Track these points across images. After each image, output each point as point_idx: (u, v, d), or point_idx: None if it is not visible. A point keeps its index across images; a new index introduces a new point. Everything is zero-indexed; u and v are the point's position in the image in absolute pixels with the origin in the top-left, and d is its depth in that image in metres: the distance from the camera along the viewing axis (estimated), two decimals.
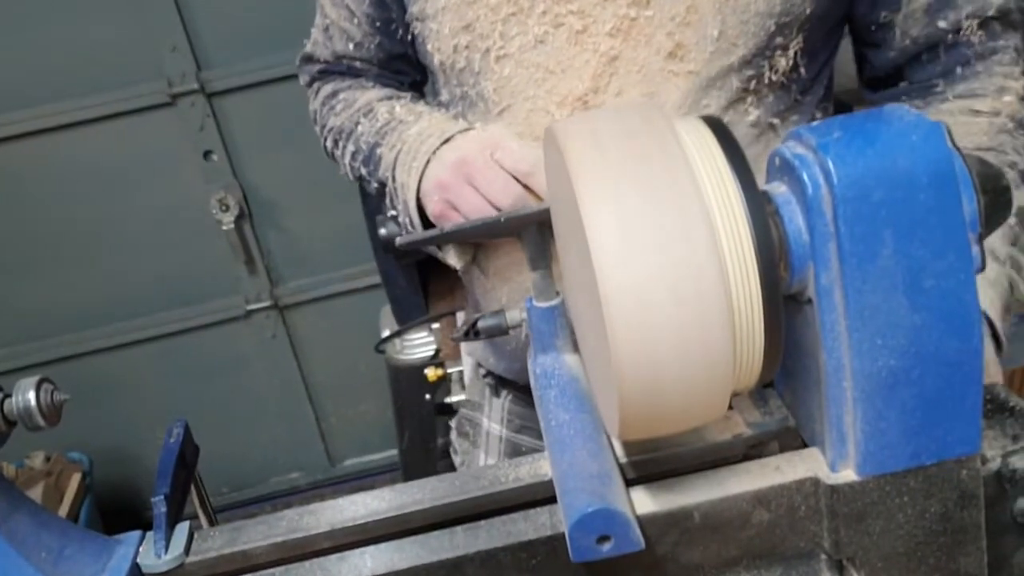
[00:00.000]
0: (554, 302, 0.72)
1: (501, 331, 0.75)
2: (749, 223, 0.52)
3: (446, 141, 0.90)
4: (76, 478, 2.43)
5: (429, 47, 0.95)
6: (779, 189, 0.56)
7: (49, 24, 2.24)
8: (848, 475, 0.58)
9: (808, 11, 0.86)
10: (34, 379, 0.64)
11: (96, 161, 2.38)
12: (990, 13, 0.87)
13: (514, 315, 0.75)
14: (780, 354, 0.55)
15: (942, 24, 0.87)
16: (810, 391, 0.60)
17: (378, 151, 0.98)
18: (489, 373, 1.14)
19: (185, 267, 2.52)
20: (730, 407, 0.66)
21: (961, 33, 0.88)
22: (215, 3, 2.29)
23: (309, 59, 1.11)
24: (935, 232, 0.53)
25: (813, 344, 0.57)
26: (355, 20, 1.02)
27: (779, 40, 0.86)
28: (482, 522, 0.62)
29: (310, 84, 1.13)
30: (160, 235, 2.48)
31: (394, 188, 0.95)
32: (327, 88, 1.10)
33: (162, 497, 0.63)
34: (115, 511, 2.62)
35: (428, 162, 0.89)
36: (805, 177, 0.53)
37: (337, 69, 1.09)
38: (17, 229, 2.43)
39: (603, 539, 0.55)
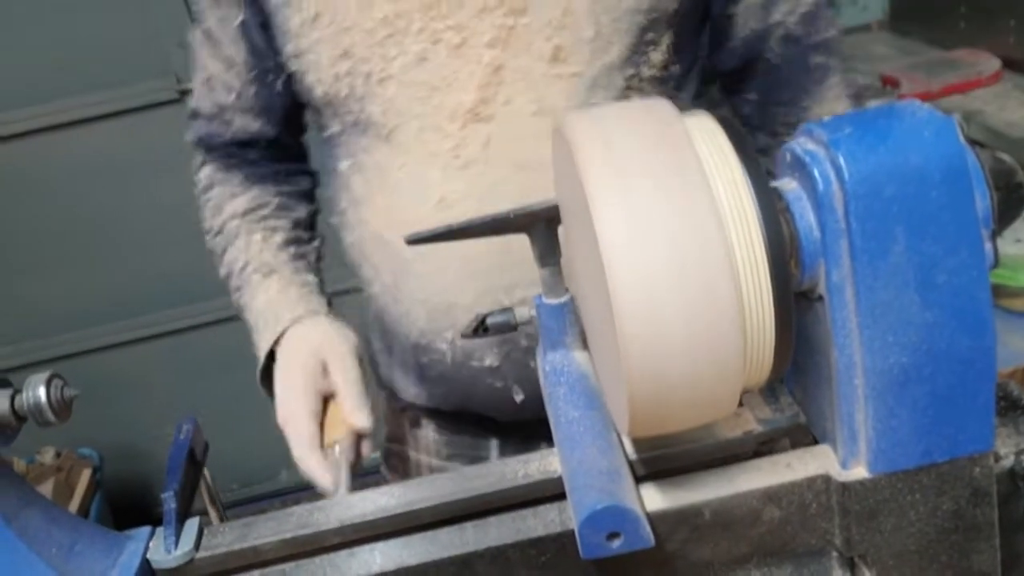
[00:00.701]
0: (563, 299, 0.72)
1: (510, 327, 0.75)
2: (760, 220, 0.52)
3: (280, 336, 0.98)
4: (86, 474, 2.44)
5: (310, 80, 0.94)
6: (790, 185, 0.56)
7: (56, 21, 2.25)
8: (859, 472, 0.58)
9: (673, 8, 0.90)
10: (44, 375, 0.64)
11: (104, 157, 2.38)
12: (805, 8, 0.95)
13: (523, 312, 0.74)
14: (791, 351, 0.54)
15: (775, 16, 0.95)
16: (821, 388, 0.60)
17: (239, 300, 1.05)
18: (408, 406, 1.11)
19: (194, 263, 2.51)
20: (740, 404, 0.66)
21: (790, 23, 0.95)
22: None
23: (195, 115, 1.08)
24: (948, 228, 0.52)
25: (824, 341, 0.57)
26: (234, 69, 1.01)
27: (651, 35, 0.89)
28: (491, 518, 0.62)
29: (194, 143, 1.11)
30: (169, 231, 2.48)
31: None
32: (205, 171, 1.09)
33: (172, 493, 0.64)
34: (125, 507, 2.63)
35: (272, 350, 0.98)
36: (816, 173, 0.53)
37: (217, 135, 1.06)
38: (26, 226, 2.43)
39: (613, 536, 0.55)
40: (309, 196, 1.13)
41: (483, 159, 0.90)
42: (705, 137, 0.55)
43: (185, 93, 2.34)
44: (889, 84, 1.87)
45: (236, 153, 1.08)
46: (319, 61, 0.92)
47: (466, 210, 0.78)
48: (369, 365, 1.16)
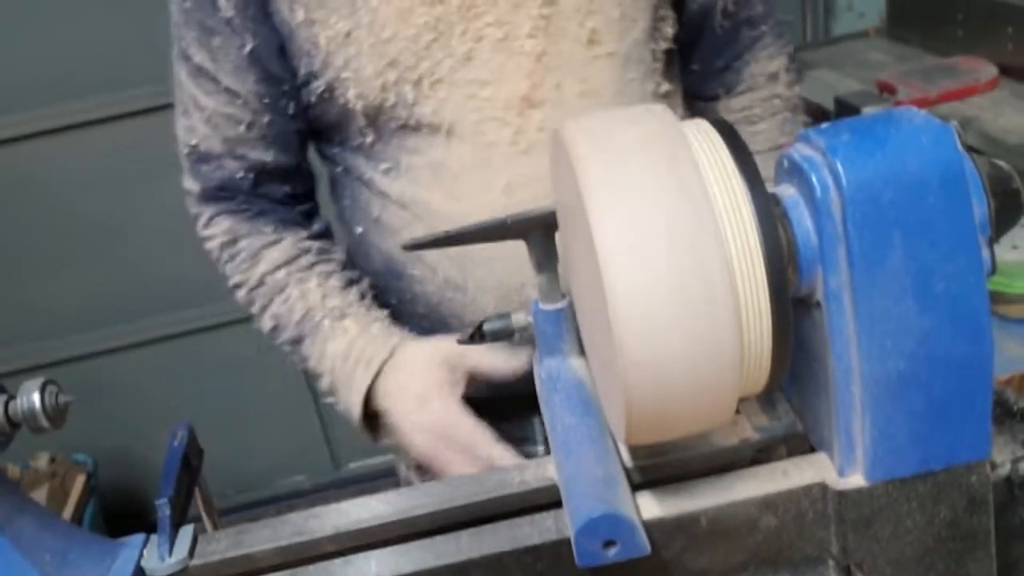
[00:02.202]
0: (560, 305, 0.72)
1: (507, 334, 0.75)
2: (757, 226, 0.52)
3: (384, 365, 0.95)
4: (80, 480, 2.43)
5: (350, 95, 0.93)
6: (788, 191, 0.56)
7: (51, 27, 2.25)
8: (856, 480, 0.58)
9: None
10: (38, 381, 0.64)
11: (101, 162, 2.38)
12: None
13: (520, 318, 0.74)
14: (788, 358, 0.54)
15: None
16: (818, 395, 0.60)
17: (303, 350, 1.01)
18: None
19: (189, 268, 2.50)
20: (737, 411, 0.66)
21: (728, 1, 1.03)
22: None
23: (203, 159, 1.02)
24: (945, 235, 0.52)
25: (822, 348, 0.57)
26: (239, 100, 0.98)
27: (662, 12, 0.98)
28: (487, 526, 0.62)
29: (201, 198, 1.05)
30: (164, 237, 2.47)
31: (333, 391, 0.99)
32: (222, 225, 1.04)
33: (166, 500, 0.63)
34: (119, 513, 2.62)
35: (370, 387, 0.95)
36: (814, 179, 0.53)
37: (236, 175, 1.01)
38: (21, 231, 2.43)
39: (609, 544, 0.55)
40: (332, 235, 1.10)
41: (541, 142, 0.93)
42: (703, 143, 0.55)
43: None
44: (886, 91, 1.88)
45: (261, 194, 1.04)
46: (360, 75, 0.92)
47: (533, 193, 0.79)
48: None
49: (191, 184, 1.05)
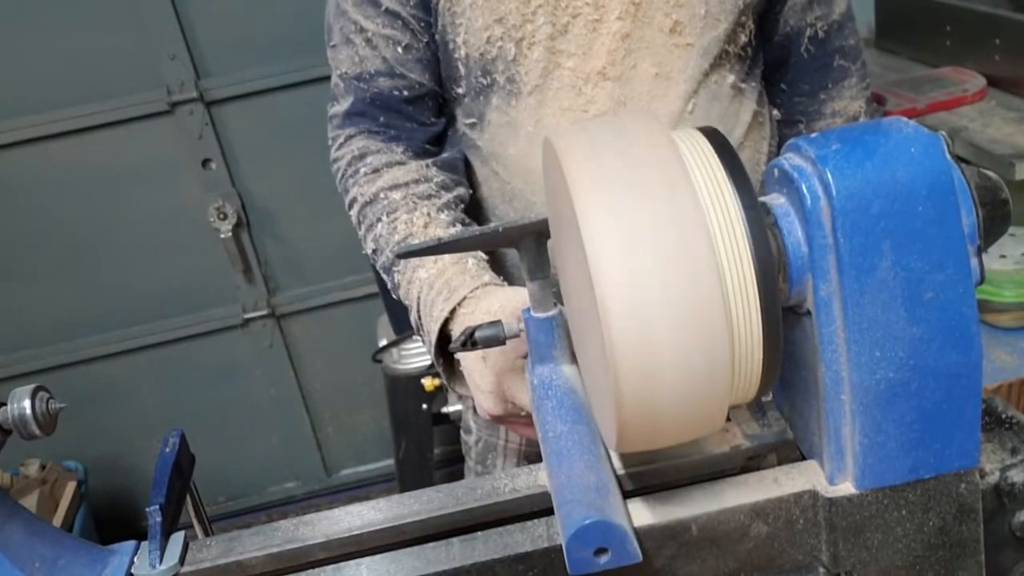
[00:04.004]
0: (552, 312, 0.72)
1: (498, 341, 0.75)
2: (748, 235, 0.52)
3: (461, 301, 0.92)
4: (71, 487, 2.42)
5: (459, 40, 1.02)
6: (778, 201, 0.56)
7: (49, 32, 2.24)
8: (846, 488, 0.58)
9: None
10: (30, 388, 0.64)
11: (95, 169, 2.38)
12: (835, 17, 1.11)
13: (512, 325, 0.74)
14: (778, 366, 0.54)
15: (810, 18, 1.10)
16: (808, 403, 0.60)
17: (395, 276, 1.01)
18: None
19: (182, 275, 2.52)
20: (728, 419, 0.66)
21: (819, 28, 1.11)
22: (214, 12, 2.29)
23: (359, 78, 1.07)
24: (934, 244, 0.53)
25: (812, 356, 0.57)
26: (399, 22, 1.04)
27: (743, 19, 1.05)
28: (479, 533, 0.62)
29: (345, 118, 1.09)
30: (158, 243, 2.48)
31: (419, 326, 0.98)
32: (356, 143, 1.08)
33: (157, 507, 0.63)
34: (110, 520, 2.61)
35: (446, 321, 0.92)
36: (804, 189, 0.53)
37: (389, 93, 1.06)
38: (14, 236, 2.42)
39: (600, 551, 0.55)
40: (461, 171, 1.11)
41: (611, 112, 1.00)
42: (694, 152, 0.55)
43: (176, 105, 2.33)
44: (875, 101, 1.89)
45: (406, 115, 1.08)
46: (471, 24, 1.01)
47: None
48: None
49: (338, 107, 1.10)
